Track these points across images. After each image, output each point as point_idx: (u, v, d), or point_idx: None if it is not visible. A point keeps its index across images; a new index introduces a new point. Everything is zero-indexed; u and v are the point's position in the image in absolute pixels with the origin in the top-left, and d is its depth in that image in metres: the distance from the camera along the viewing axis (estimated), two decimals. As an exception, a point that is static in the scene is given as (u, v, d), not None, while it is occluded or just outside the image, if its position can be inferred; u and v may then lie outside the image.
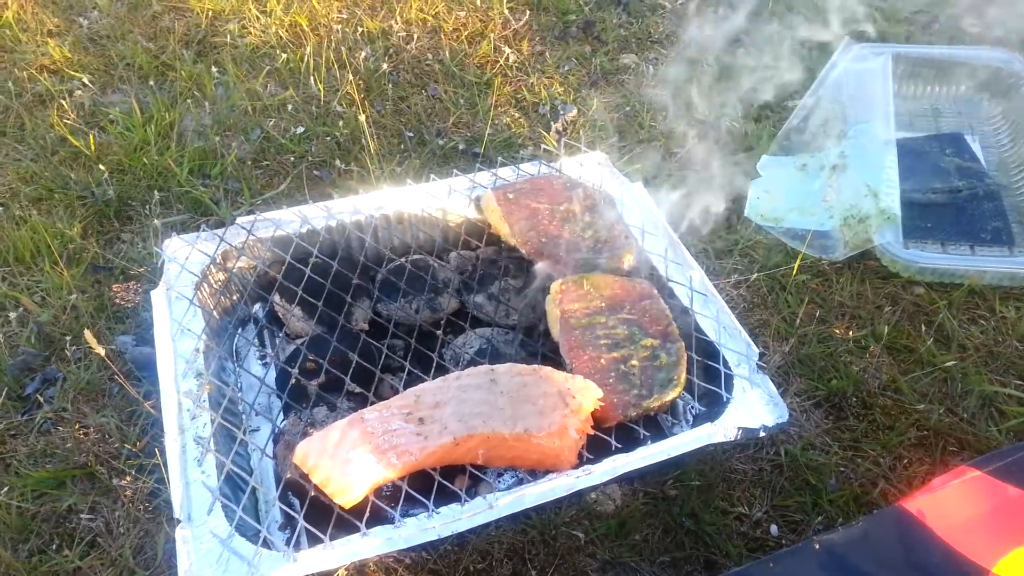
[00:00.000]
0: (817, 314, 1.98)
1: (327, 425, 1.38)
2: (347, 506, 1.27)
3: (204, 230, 1.69)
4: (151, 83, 2.56)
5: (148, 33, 2.82)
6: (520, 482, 1.50)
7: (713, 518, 1.60)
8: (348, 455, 1.29)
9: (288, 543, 1.41)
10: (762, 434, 1.43)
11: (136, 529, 1.54)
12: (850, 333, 1.94)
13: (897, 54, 2.64)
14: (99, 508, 1.57)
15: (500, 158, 2.11)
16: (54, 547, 1.52)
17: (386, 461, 1.29)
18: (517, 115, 2.59)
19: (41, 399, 1.75)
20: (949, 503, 1.41)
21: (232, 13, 2.90)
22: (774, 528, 1.60)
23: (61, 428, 1.70)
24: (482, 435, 1.33)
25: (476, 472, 1.40)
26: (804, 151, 2.42)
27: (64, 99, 2.52)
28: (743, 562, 1.53)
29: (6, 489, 1.58)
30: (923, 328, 1.97)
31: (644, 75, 2.82)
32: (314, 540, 1.26)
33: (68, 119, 2.44)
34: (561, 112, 2.59)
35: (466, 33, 2.90)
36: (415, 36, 2.86)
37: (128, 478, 1.60)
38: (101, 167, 2.25)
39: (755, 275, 2.07)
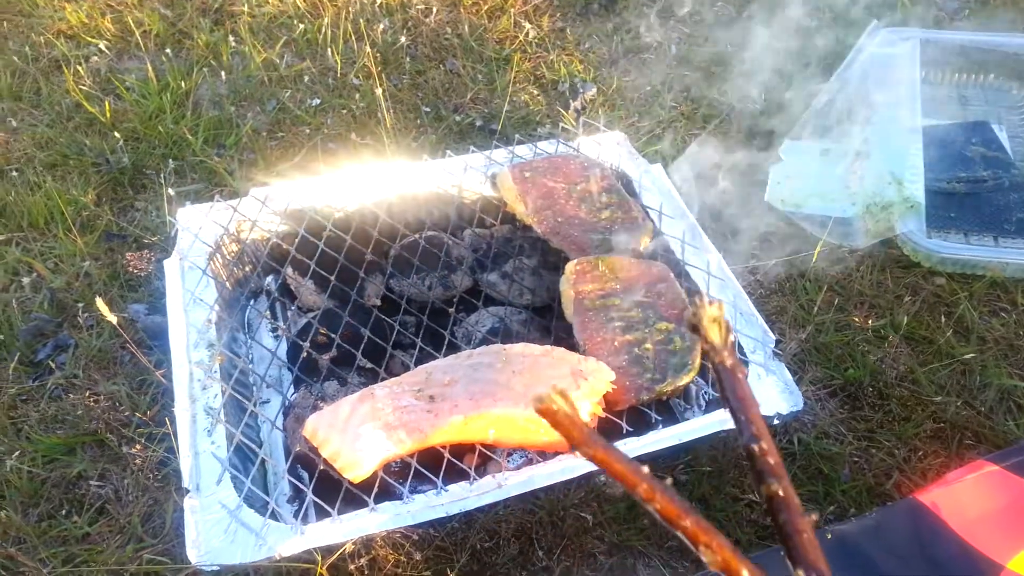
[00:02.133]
0: (836, 302, 1.95)
1: (337, 400, 1.38)
2: (356, 481, 1.26)
3: (218, 200, 1.68)
4: (167, 51, 2.53)
5: (165, 0, 2.80)
6: (530, 462, 1.49)
7: (723, 504, 1.59)
8: (358, 430, 1.28)
9: (296, 516, 1.42)
10: (776, 422, 1.42)
11: (145, 497, 1.54)
12: (869, 322, 1.92)
13: (925, 39, 2.59)
14: (109, 475, 1.58)
15: (517, 136, 2.08)
16: (63, 512, 1.53)
17: (396, 437, 1.28)
18: (536, 92, 2.56)
19: (53, 365, 1.75)
20: (965, 497, 1.40)
21: (250, -18, 2.87)
22: (785, 516, 1.58)
23: (72, 395, 1.70)
24: (493, 414, 1.31)
25: (486, 451, 1.39)
26: (827, 136, 2.37)
27: (80, 65, 2.50)
28: (752, 550, 1.52)
29: (17, 454, 1.59)
30: (943, 319, 1.94)
31: (667, 54, 2.77)
32: (322, 514, 1.25)
33: (84, 85, 2.43)
34: (580, 90, 2.56)
35: (486, 7, 2.86)
36: (434, 9, 2.82)
37: (138, 446, 1.60)
38: (116, 134, 2.24)
39: (773, 261, 2.04)
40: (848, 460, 1.67)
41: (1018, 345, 1.90)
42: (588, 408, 1.35)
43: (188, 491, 1.26)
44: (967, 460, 1.52)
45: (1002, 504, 1.40)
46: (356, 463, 1.26)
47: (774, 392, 1.46)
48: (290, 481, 1.45)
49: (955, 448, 1.71)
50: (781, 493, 0.51)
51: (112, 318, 1.41)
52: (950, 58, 2.64)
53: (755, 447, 0.51)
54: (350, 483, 1.27)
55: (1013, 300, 2.00)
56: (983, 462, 1.45)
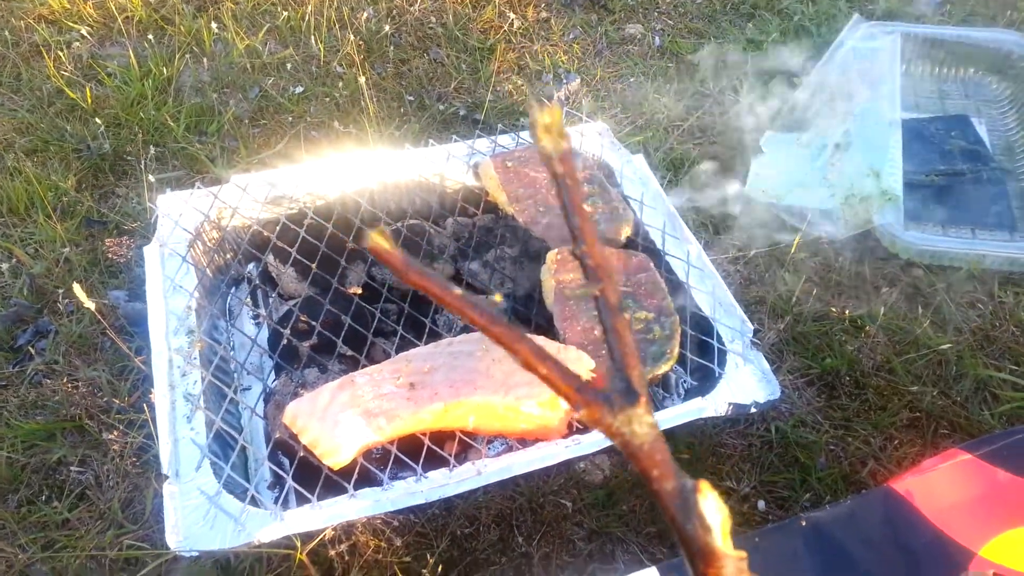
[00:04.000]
0: (814, 292, 1.97)
1: (318, 386, 1.38)
2: (336, 468, 1.27)
3: (199, 187, 1.67)
4: (150, 37, 2.52)
5: (148, -14, 2.78)
6: (510, 450, 1.50)
7: (701, 492, 1.60)
8: (337, 417, 1.29)
9: (277, 502, 1.42)
10: (753, 410, 1.43)
11: (125, 483, 1.54)
12: (846, 312, 1.94)
13: (906, 33, 2.61)
14: (89, 461, 1.57)
15: (501, 125, 2.08)
16: (43, 498, 1.53)
17: (375, 425, 1.29)
18: (520, 82, 2.56)
19: (33, 351, 1.74)
20: (938, 485, 1.41)
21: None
22: (761, 503, 1.60)
23: (52, 381, 1.69)
24: (473, 402, 1.32)
25: (466, 438, 1.39)
26: (808, 128, 2.39)
27: (62, 50, 2.48)
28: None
29: (-4, 440, 1.58)
30: (920, 310, 1.96)
31: (650, 46, 2.78)
32: (302, 500, 1.26)
33: (65, 71, 2.41)
34: (564, 81, 2.56)
35: (471, -3, 2.86)
36: (419, -2, 2.82)
37: (118, 432, 1.60)
38: (97, 120, 2.22)
39: (753, 251, 2.06)
40: (824, 448, 1.69)
41: (994, 336, 1.93)
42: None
43: (167, 477, 1.25)
44: (942, 449, 1.54)
45: (975, 492, 1.42)
46: (336, 450, 1.26)
47: (751, 381, 1.47)
48: (271, 468, 1.45)
49: (930, 437, 1.73)
50: (598, 293, 0.53)
51: (90, 304, 1.40)
52: (931, 52, 2.67)
53: (580, 251, 0.54)
54: (330, 470, 1.27)
55: (990, 292, 2.03)
56: (957, 451, 1.47)
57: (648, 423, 0.51)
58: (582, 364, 1.40)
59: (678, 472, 0.51)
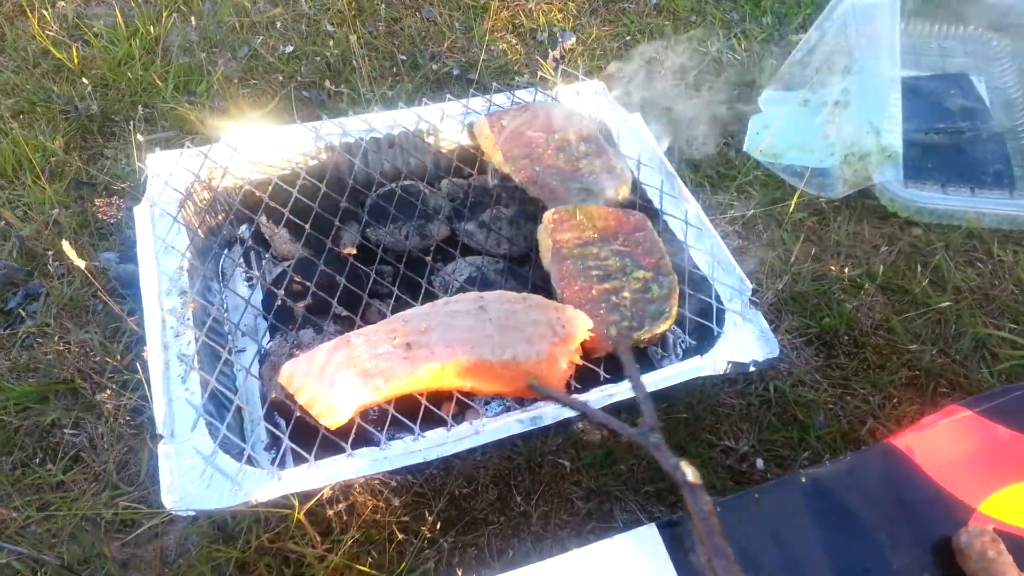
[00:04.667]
0: (812, 252, 1.96)
1: (313, 347, 1.36)
2: (332, 428, 1.25)
3: (188, 147, 1.64)
4: (136, -5, 2.47)
5: (133, -57, 2.72)
6: (507, 410, 1.49)
7: (699, 450, 1.60)
8: (334, 377, 1.27)
9: (274, 462, 1.41)
10: (752, 369, 1.42)
11: (119, 445, 1.53)
12: (845, 272, 1.92)
13: (907, -10, 2.57)
14: (83, 423, 1.56)
15: (495, 84, 2.05)
16: (37, 461, 1.51)
17: (372, 384, 1.27)
18: (514, 41, 2.52)
19: (24, 314, 1.72)
20: (938, 441, 1.41)
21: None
22: (760, 462, 1.60)
23: (44, 343, 1.68)
24: (469, 361, 1.31)
25: (464, 399, 1.38)
26: (807, 86, 2.36)
27: (46, 9, 2.43)
28: (728, 494, 1.53)
29: (-12, 403, 1.57)
30: (919, 269, 1.95)
31: (646, 4, 2.73)
32: (299, 460, 1.24)
33: (50, 31, 2.36)
34: (559, 39, 2.52)
35: (464, -46, 2.80)
36: (411, -45, 2.76)
37: (111, 394, 1.59)
38: (84, 80, 2.18)
39: (752, 211, 2.04)
40: (823, 407, 1.69)
41: (993, 295, 1.92)
42: (565, 356, 1.35)
43: (162, 437, 1.24)
44: (941, 407, 1.53)
45: (975, 448, 1.42)
46: (332, 409, 1.25)
47: (750, 340, 1.46)
48: (267, 428, 1.44)
49: (929, 396, 1.73)
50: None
51: (80, 263, 1.38)
52: (930, 9, 2.63)
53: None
54: (327, 430, 1.26)
55: (989, 250, 2.02)
56: (957, 407, 1.47)
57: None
58: (579, 322, 1.39)
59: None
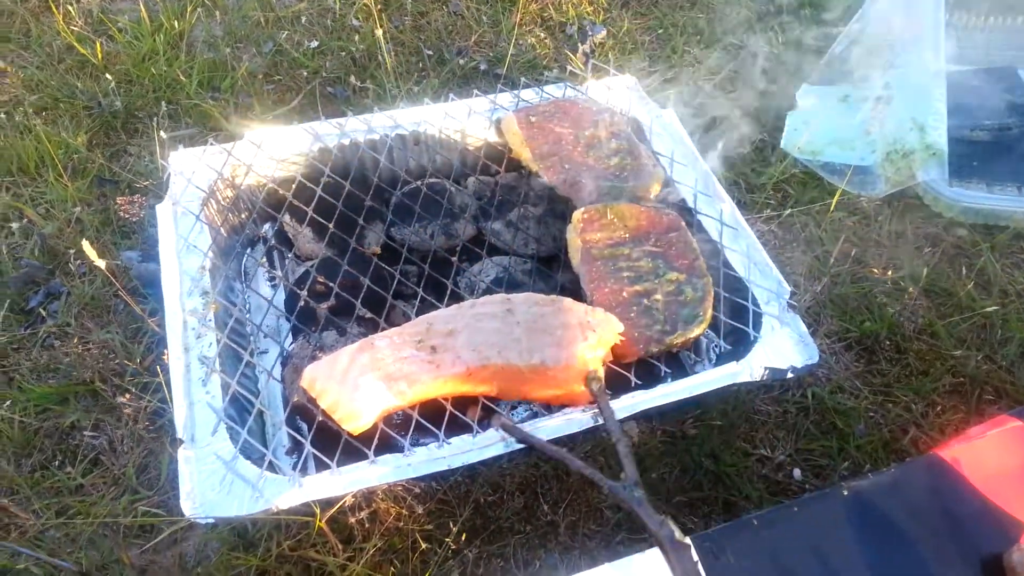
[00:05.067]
0: (853, 253, 1.89)
1: (336, 350, 1.33)
2: (355, 433, 1.22)
3: (212, 144, 1.61)
4: (161, -10, 2.45)
5: (159, -61, 2.70)
6: (535, 416, 1.44)
7: (734, 459, 1.54)
8: (357, 381, 1.24)
9: (295, 468, 1.38)
10: (790, 375, 1.37)
11: (139, 448, 1.50)
12: (887, 274, 1.85)
13: (951, -21, 2.48)
14: (102, 426, 1.54)
15: (523, 80, 2.00)
16: (57, 463, 1.50)
17: (396, 389, 1.24)
18: (543, 35, 2.46)
19: (44, 313, 1.71)
20: (987, 453, 1.35)
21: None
22: (797, 472, 1.54)
23: (64, 343, 1.66)
24: (496, 365, 1.26)
25: (489, 404, 1.34)
26: (847, 81, 2.28)
27: (71, 5, 2.41)
28: (764, 505, 1.48)
29: (8, 403, 1.55)
30: (964, 271, 1.87)
31: (679, -4, 2.67)
32: (321, 466, 1.21)
33: (75, 26, 2.35)
34: (589, 33, 2.46)
35: (492, -53, 2.75)
36: (438, -52, 2.72)
37: (132, 396, 1.56)
38: (108, 76, 2.16)
39: (789, 210, 1.97)
40: (863, 415, 1.62)
41: (1042, 298, 1.84)
42: (595, 360, 1.30)
43: (182, 441, 1.21)
44: (987, 416, 1.47)
45: (1026, 461, 1.35)
46: (355, 414, 1.22)
47: (788, 344, 1.40)
48: (288, 433, 1.40)
49: (975, 403, 1.66)
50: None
51: (100, 262, 1.35)
52: (975, 0, 2.53)
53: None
54: (349, 435, 1.22)
55: (1036, 252, 1.94)
56: (1006, 417, 1.40)
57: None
58: (610, 326, 1.34)
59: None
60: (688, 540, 1.08)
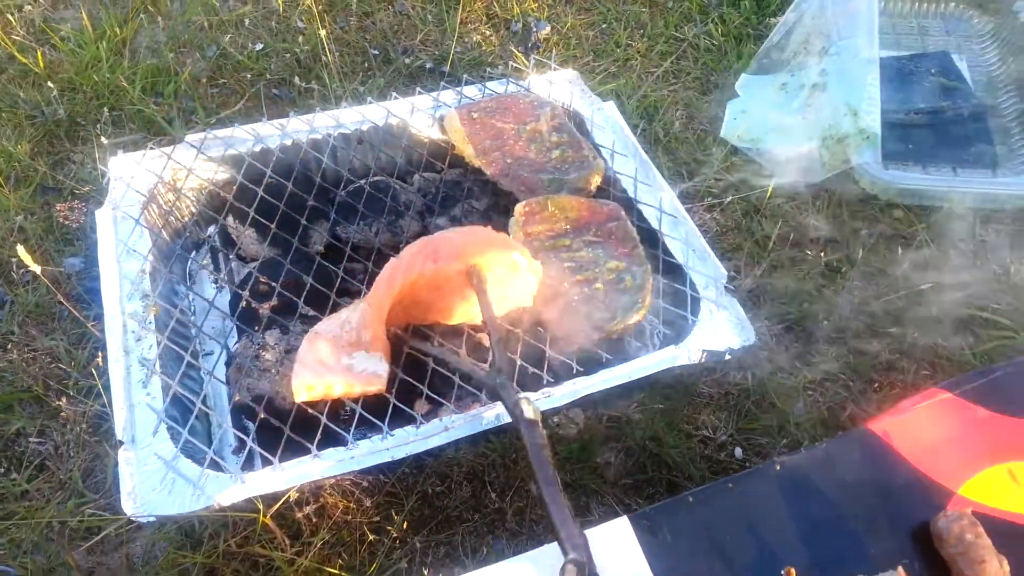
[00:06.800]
0: (791, 238, 1.93)
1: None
2: (386, 389, 1.27)
3: (151, 148, 1.61)
4: (104, -2, 2.43)
5: (102, -55, 2.68)
6: (479, 403, 1.46)
7: (676, 441, 1.57)
8: (343, 358, 1.26)
9: (243, 467, 1.39)
10: (728, 357, 1.40)
11: (85, 452, 1.50)
12: (824, 256, 1.90)
13: (886, -32, 2.54)
14: (48, 431, 1.54)
15: (466, 77, 2.02)
16: (1, 471, 1.49)
17: (363, 338, 1.27)
18: (488, 32, 2.48)
19: (-13, 323, 1.70)
20: (917, 425, 1.38)
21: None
22: (739, 451, 1.58)
23: (8, 351, 1.65)
24: (431, 267, 1.32)
25: (434, 396, 1.35)
26: (785, 69, 2.33)
27: (11, 14, 2.39)
28: (705, 483, 1.51)
29: (-48, 414, 1.54)
30: (900, 251, 1.92)
31: (622, -8, 2.70)
32: (267, 463, 1.22)
33: (17, 36, 2.33)
34: (534, 29, 2.48)
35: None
36: (383, -52, 2.72)
37: (76, 401, 1.56)
38: (51, 85, 2.14)
39: (729, 198, 2.01)
40: (803, 394, 1.66)
41: (975, 275, 1.89)
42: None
43: (122, 443, 1.22)
44: (922, 390, 1.51)
45: (955, 431, 1.39)
46: (374, 377, 1.26)
47: (726, 327, 1.43)
48: (234, 433, 1.41)
49: (911, 379, 1.71)
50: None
51: (35, 267, 1.35)
52: (910, -12, 2.60)
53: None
54: (291, 432, 1.23)
55: (971, 231, 1.99)
56: (937, 390, 1.44)
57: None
58: (533, 271, 1.40)
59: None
60: (538, 417, 1.17)
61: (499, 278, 1.38)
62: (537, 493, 1.11)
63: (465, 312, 1.42)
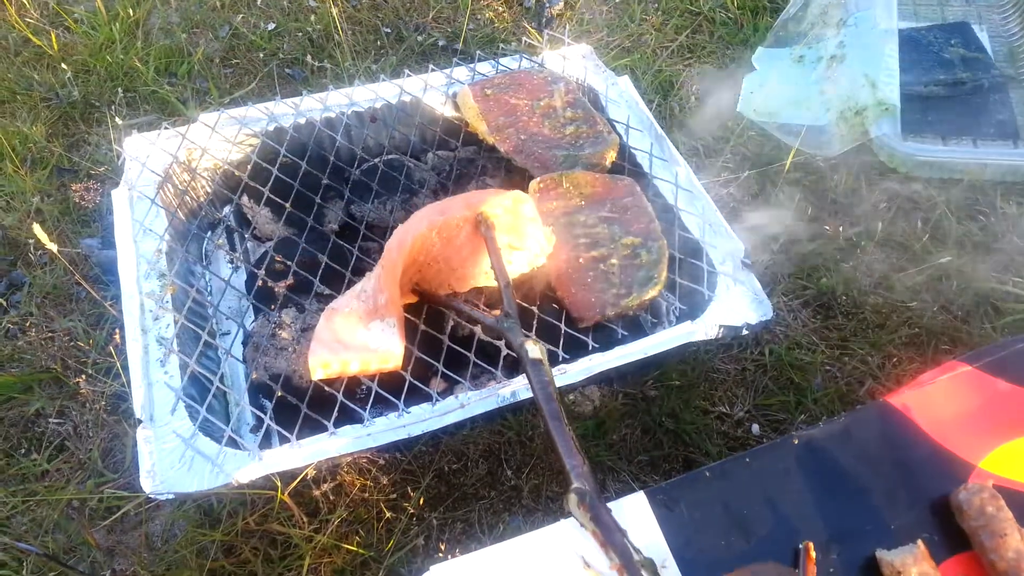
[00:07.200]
0: (809, 212, 1.91)
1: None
2: (401, 367, 1.27)
3: (166, 127, 1.61)
4: (117, -21, 2.43)
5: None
6: (494, 380, 1.46)
7: (693, 417, 1.57)
8: (360, 333, 1.26)
9: (260, 445, 1.39)
10: (745, 332, 1.39)
11: (104, 432, 1.51)
12: (842, 230, 1.87)
13: (904, -63, 2.49)
14: (67, 412, 1.55)
15: (479, 53, 2.00)
16: (22, 451, 1.51)
17: (381, 306, 1.27)
18: (501, 9, 2.46)
19: (6, 304, 1.71)
20: (937, 398, 1.37)
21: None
22: (756, 427, 1.57)
23: (27, 333, 1.66)
24: (439, 221, 1.34)
25: (450, 374, 1.35)
26: (802, 42, 2.29)
27: (25, -2, 2.40)
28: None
29: (-28, 394, 1.56)
30: (919, 225, 1.90)
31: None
32: (284, 440, 1.23)
33: (30, 18, 2.33)
34: (547, 5, 2.46)
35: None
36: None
37: (92, 380, 1.57)
38: (65, 67, 2.15)
39: (746, 173, 1.99)
40: (820, 369, 1.65)
41: (996, 248, 1.87)
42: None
43: (141, 421, 1.22)
44: (943, 363, 1.49)
45: (975, 404, 1.37)
46: (388, 354, 1.26)
47: (743, 302, 1.42)
48: (252, 411, 1.42)
49: (931, 353, 1.69)
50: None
51: (52, 246, 1.36)
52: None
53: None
54: (308, 410, 1.23)
55: (992, 203, 1.96)
56: (956, 363, 1.42)
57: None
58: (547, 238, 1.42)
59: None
60: (544, 357, 1.21)
61: (506, 225, 1.39)
62: (544, 427, 1.15)
63: (479, 276, 1.43)
